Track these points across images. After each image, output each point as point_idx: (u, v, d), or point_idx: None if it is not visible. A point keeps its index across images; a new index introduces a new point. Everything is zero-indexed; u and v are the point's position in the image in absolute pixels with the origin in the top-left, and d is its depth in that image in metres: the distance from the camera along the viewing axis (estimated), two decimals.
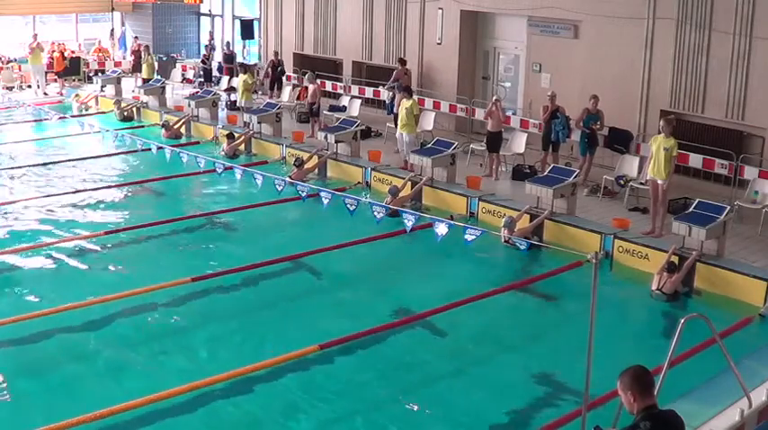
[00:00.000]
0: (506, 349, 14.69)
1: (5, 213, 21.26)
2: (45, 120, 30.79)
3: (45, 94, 36.92)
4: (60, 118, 30.49)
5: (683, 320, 9.87)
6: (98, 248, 18.98)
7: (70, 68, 39.54)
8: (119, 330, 14.94)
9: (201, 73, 37.90)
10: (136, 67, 38.13)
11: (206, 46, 40.20)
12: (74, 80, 39.61)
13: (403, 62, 29.71)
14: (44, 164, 26.06)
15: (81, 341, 14.55)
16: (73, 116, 31.02)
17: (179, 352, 14.35)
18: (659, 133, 18.77)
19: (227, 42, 38.06)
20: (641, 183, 20.34)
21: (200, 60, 39.14)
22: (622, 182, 21.28)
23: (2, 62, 39.62)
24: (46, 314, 14.93)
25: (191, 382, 12.59)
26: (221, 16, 41.91)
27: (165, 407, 12.14)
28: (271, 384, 13.02)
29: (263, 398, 12.71)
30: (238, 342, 14.67)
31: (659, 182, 18.58)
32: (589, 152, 22.52)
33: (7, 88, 37.84)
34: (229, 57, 36.57)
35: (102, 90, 35.99)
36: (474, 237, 15.41)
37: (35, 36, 38.31)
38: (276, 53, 33.29)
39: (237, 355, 13.88)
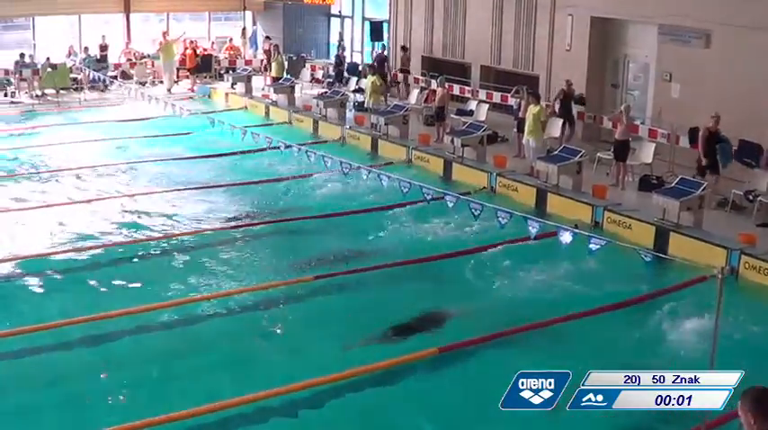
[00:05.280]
0: (625, 365, 14.53)
1: (125, 208, 22.08)
2: (177, 115, 31.39)
3: (168, 90, 37.70)
4: (191, 113, 31.07)
5: None
6: (220, 243, 19.60)
7: (202, 66, 40.30)
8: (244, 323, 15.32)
9: (333, 73, 38.19)
10: (267, 67, 38.69)
11: (337, 46, 40.56)
12: (205, 77, 40.36)
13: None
14: (172, 159, 26.86)
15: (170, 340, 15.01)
16: (203, 113, 31.54)
17: (304, 345, 14.68)
18: None
19: (383, 45, 37.70)
20: None
21: (334, 61, 39.34)
22: (751, 197, 20.92)
23: (135, 58, 40.52)
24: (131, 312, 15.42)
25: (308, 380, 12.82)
26: (351, 18, 42.21)
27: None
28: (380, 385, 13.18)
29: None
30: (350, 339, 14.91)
31: None
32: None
33: (140, 83, 38.62)
34: (382, 59, 35.96)
35: (232, 87, 36.68)
36: (598, 246, 15.34)
37: (164, 33, 39.10)
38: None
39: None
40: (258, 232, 20.43)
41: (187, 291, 16.66)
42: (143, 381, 13.34)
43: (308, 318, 15.97)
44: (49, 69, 36.45)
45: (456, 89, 31.96)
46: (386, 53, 36.06)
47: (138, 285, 17.07)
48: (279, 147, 24.52)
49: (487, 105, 30.21)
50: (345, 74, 37.83)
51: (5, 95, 36.25)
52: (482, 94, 31.37)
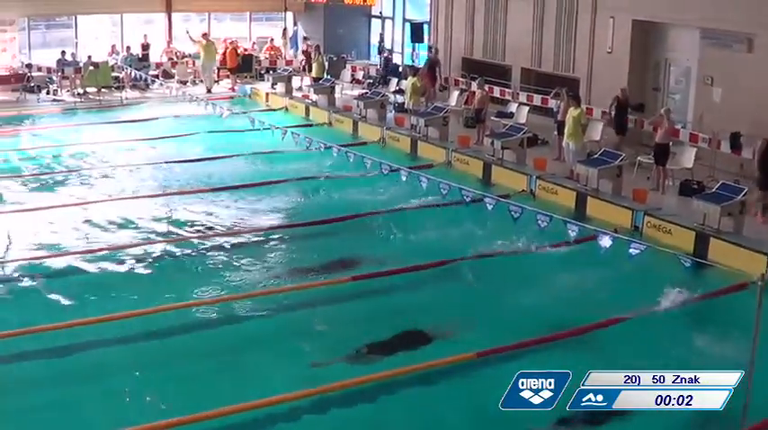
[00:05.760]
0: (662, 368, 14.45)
1: (161, 207, 22.27)
2: (217, 114, 31.59)
3: (208, 90, 37.83)
4: (232, 113, 31.26)
5: None
6: (255, 244, 19.82)
7: (242, 65, 40.48)
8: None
9: (380, 74, 38.04)
10: (306, 67, 38.89)
11: (379, 47, 40.60)
12: (245, 77, 40.52)
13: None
14: (208, 158, 27.14)
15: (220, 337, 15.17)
16: (243, 113, 31.71)
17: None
18: None
19: (436, 49, 37.11)
20: None
21: (381, 62, 39.11)
22: None
23: (177, 57, 40.71)
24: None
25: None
26: (392, 19, 42.18)
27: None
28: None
29: None
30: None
31: None
32: None
33: (181, 82, 38.84)
34: (434, 62, 35.16)
35: (272, 87, 36.82)
36: (638, 251, 15.29)
37: (205, 34, 39.19)
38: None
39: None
40: (293, 233, 20.54)
41: (222, 291, 16.87)
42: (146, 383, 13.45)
43: (343, 318, 16.05)
44: (91, 68, 36.70)
45: (496, 91, 31.88)
46: (438, 56, 35.50)
47: (163, 285, 17.24)
48: (318, 148, 24.65)
49: (528, 108, 30.12)
50: (382, 73, 37.89)
51: (47, 93, 36.55)
52: (522, 97, 31.26)
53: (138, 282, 17.48)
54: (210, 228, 20.72)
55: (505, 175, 24.51)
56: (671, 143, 23.42)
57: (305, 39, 42.59)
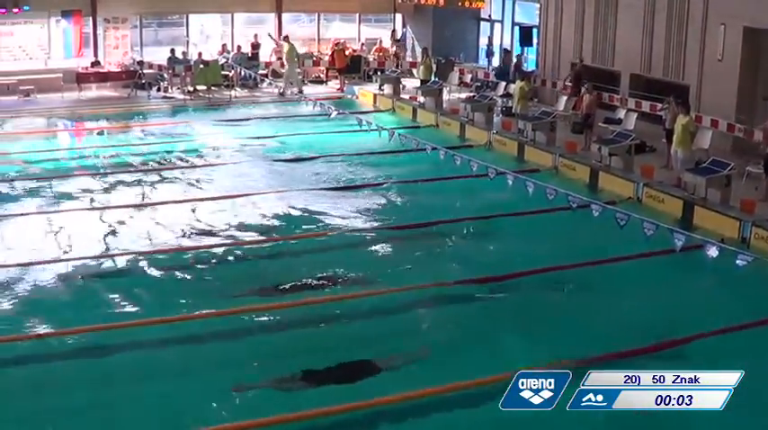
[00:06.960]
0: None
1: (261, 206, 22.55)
2: (325, 115, 32.01)
3: (300, 91, 38.25)
4: (339, 113, 31.62)
5: None
6: (359, 244, 19.97)
7: (351, 66, 40.82)
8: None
9: (512, 77, 37.83)
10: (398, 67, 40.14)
11: (487, 51, 40.83)
12: (354, 78, 40.83)
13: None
14: (314, 158, 27.50)
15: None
16: (351, 113, 32.01)
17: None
18: None
19: (581, 58, 36.35)
20: None
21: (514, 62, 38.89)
22: None
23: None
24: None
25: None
26: (501, 22, 42.12)
27: None
28: None
29: None
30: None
31: None
32: None
33: (290, 82, 39.18)
34: (578, 74, 33.50)
35: (380, 89, 37.08)
36: (745, 262, 15.20)
37: (286, 37, 39.48)
38: None
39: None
40: (397, 235, 20.64)
41: (315, 292, 17.02)
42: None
43: (448, 321, 16.22)
44: (201, 66, 37.34)
45: (605, 97, 31.66)
46: (580, 67, 33.84)
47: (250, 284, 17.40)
48: (425, 150, 24.85)
49: (636, 114, 29.93)
50: (494, 78, 37.79)
51: (158, 90, 37.39)
52: (631, 103, 31.07)
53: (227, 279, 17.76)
54: (309, 227, 21.04)
55: (612, 182, 24.46)
56: None
57: (396, 41, 42.94)
